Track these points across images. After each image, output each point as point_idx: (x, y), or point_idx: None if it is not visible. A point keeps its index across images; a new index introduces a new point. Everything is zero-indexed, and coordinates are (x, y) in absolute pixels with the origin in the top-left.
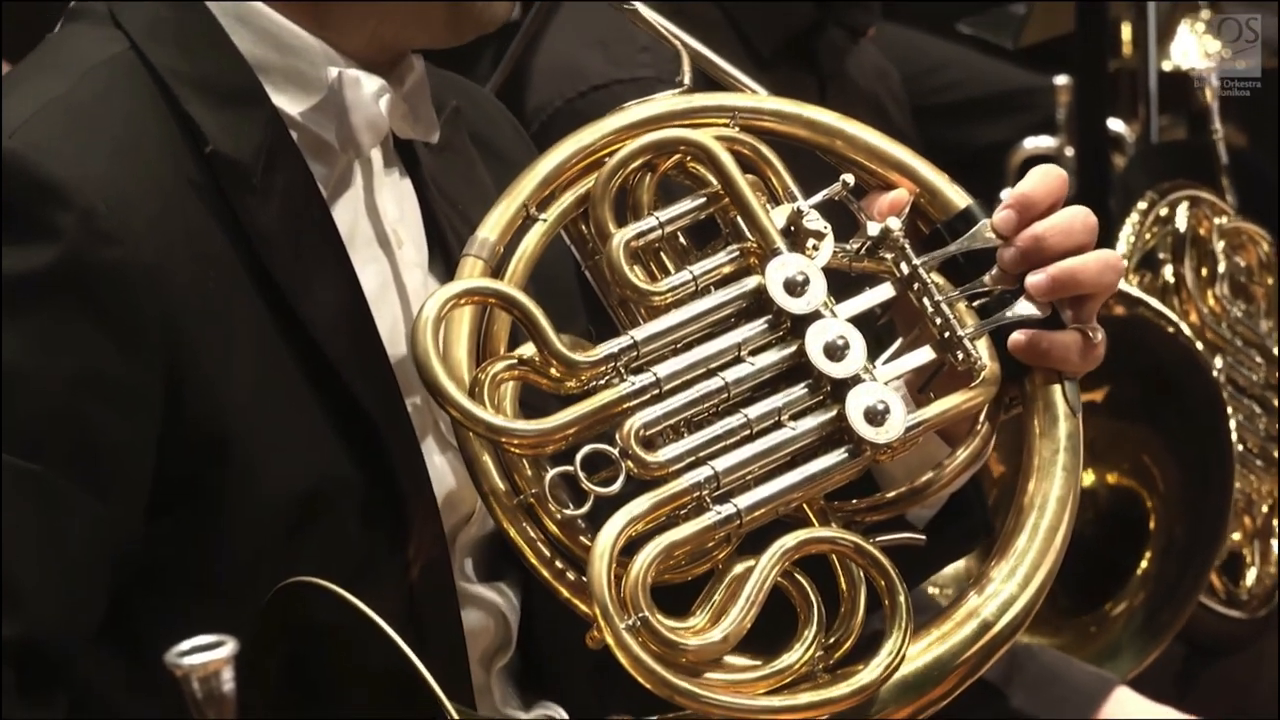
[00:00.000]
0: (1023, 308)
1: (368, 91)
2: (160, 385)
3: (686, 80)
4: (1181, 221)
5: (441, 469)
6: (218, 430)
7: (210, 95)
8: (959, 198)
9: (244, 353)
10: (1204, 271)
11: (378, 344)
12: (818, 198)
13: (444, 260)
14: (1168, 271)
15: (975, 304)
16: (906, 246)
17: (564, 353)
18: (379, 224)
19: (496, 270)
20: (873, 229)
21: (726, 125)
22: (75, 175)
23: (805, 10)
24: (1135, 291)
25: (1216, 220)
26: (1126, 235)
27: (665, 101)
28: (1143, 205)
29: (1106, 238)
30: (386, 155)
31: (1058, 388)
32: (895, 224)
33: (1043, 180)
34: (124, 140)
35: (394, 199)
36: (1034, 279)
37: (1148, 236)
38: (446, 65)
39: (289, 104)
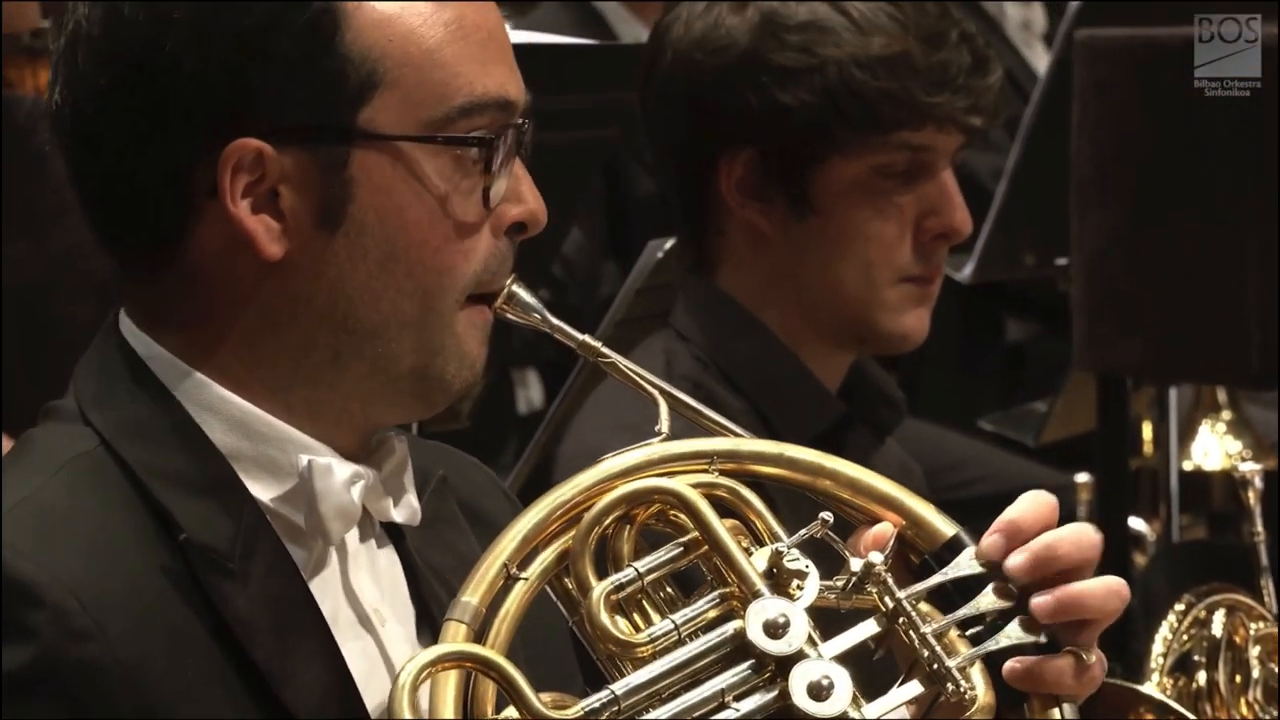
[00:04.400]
0: (1015, 634)
1: (339, 480)
2: None
3: (664, 428)
4: (1218, 627)
5: None
6: None
7: (183, 485)
8: (946, 526)
9: None
10: (1238, 679)
11: None
12: (798, 537)
13: (432, 634)
14: (1201, 677)
15: (968, 632)
16: (889, 580)
17: (545, 713)
18: (359, 606)
19: (480, 633)
20: (855, 565)
21: (706, 470)
22: (47, 574)
23: (834, 407)
24: (1166, 699)
25: (1253, 626)
26: (1163, 634)
27: (642, 451)
28: (1180, 607)
29: (1125, 636)
30: (364, 531)
31: (1056, 712)
32: (877, 558)
33: (1032, 506)
34: (95, 535)
35: (371, 579)
36: (1039, 600)
37: (1185, 638)
38: (466, 451)
39: (261, 490)
